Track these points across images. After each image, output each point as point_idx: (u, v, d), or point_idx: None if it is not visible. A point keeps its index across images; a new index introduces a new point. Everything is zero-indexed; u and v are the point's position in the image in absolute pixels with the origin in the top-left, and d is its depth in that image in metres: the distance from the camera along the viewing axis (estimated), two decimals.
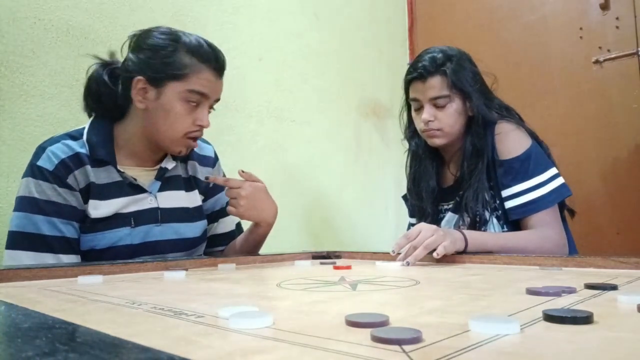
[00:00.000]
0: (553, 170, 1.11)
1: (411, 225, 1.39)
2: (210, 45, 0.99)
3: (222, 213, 1.19)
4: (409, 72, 1.21)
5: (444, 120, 1.17)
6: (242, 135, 1.62)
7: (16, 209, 0.91)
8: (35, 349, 0.22)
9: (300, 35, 1.89)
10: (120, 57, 1.02)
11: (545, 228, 1.07)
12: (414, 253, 0.87)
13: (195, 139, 1.01)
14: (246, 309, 0.37)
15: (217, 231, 1.19)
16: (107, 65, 1.01)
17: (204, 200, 1.15)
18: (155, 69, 0.94)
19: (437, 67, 1.15)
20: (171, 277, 0.69)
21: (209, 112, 1.02)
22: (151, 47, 0.95)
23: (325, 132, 1.95)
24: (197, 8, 1.52)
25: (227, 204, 1.07)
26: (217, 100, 1.02)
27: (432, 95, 1.16)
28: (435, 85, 1.15)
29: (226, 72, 1.02)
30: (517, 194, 1.10)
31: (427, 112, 1.17)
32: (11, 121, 1.12)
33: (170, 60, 0.94)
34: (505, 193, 1.12)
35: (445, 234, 0.92)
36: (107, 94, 1.00)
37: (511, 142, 1.13)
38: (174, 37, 0.96)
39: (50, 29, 1.20)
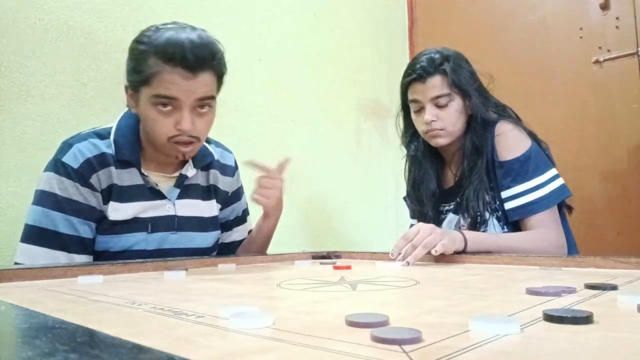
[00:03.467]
0: (553, 171, 1.11)
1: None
2: (181, 41, 0.87)
3: (237, 222, 1.20)
4: (406, 75, 1.21)
5: (447, 119, 1.17)
6: (242, 135, 1.61)
7: (35, 203, 0.90)
8: (36, 349, 0.22)
9: (300, 36, 1.89)
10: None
11: (544, 229, 1.07)
12: (413, 252, 0.87)
13: (183, 143, 0.92)
14: (246, 309, 0.37)
15: (231, 239, 1.19)
16: None
17: (221, 209, 1.15)
18: (131, 76, 0.92)
19: (436, 67, 1.16)
20: (171, 277, 0.69)
21: (202, 110, 0.92)
22: (130, 52, 0.92)
23: (325, 132, 1.95)
24: (197, 8, 1.52)
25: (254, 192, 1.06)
26: (204, 98, 0.91)
27: (433, 95, 1.16)
28: (436, 84, 1.16)
29: (194, 82, 0.99)
30: (516, 195, 1.10)
31: (430, 113, 1.17)
32: (11, 121, 1.12)
33: (140, 65, 0.89)
34: (504, 194, 1.12)
35: (444, 232, 0.92)
36: None
37: (511, 143, 1.13)
38: (146, 39, 0.89)
39: (51, 29, 1.20)
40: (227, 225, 1.18)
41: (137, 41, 0.91)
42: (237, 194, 1.19)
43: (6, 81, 1.12)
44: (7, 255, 1.07)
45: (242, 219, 1.21)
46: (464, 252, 0.96)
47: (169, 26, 0.90)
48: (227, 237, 1.18)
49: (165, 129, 0.91)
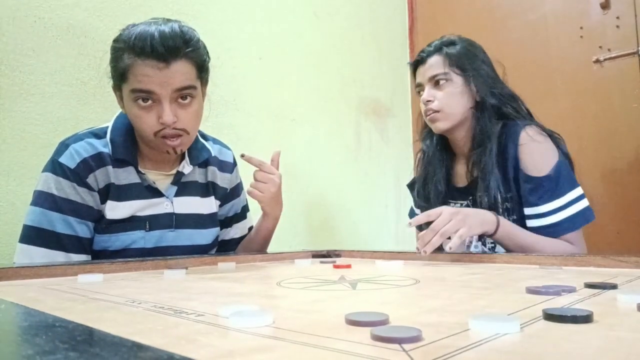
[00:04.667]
0: (579, 190, 1.07)
1: (416, 215, 1.36)
2: (150, 33, 0.86)
3: (237, 218, 1.20)
4: (414, 59, 1.24)
5: (443, 101, 1.15)
6: (241, 134, 1.61)
7: (33, 203, 0.90)
8: (36, 347, 0.22)
9: (301, 35, 1.89)
10: None
11: (571, 246, 1.05)
12: (430, 241, 0.86)
13: (169, 137, 0.91)
14: (246, 307, 0.37)
15: (230, 236, 1.19)
16: None
17: (220, 206, 1.15)
18: (112, 75, 0.93)
19: (437, 49, 1.18)
20: (171, 276, 0.69)
21: (184, 102, 0.91)
22: (110, 52, 0.92)
23: (325, 131, 1.95)
24: (197, 7, 1.52)
25: (251, 185, 1.06)
26: (182, 89, 0.89)
27: (430, 74, 1.17)
28: (433, 63, 1.17)
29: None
30: (542, 215, 1.06)
31: (427, 92, 1.17)
32: (11, 120, 1.12)
33: (116, 63, 0.90)
34: (528, 211, 1.07)
35: (465, 218, 0.90)
36: None
37: (539, 158, 1.07)
38: (121, 37, 0.90)
39: (51, 27, 1.20)
40: (226, 222, 1.18)
41: (114, 40, 0.92)
42: (236, 191, 1.19)
43: (6, 80, 1.12)
44: (7, 254, 1.07)
45: (241, 215, 1.21)
46: (492, 235, 0.94)
47: (143, 22, 0.91)
48: (226, 234, 1.18)
49: (149, 124, 0.90)
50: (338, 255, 1.11)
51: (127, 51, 0.87)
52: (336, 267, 0.82)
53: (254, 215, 1.23)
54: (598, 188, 1.80)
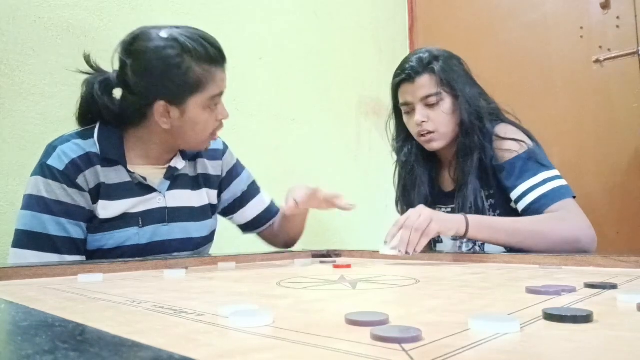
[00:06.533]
0: (556, 172, 1.06)
1: None
2: (209, 41, 0.94)
3: (248, 196, 1.20)
4: (396, 75, 1.18)
5: (438, 120, 1.13)
6: (242, 134, 1.61)
7: (24, 207, 0.90)
8: (36, 347, 0.22)
9: (301, 34, 1.89)
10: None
11: (564, 211, 0.98)
12: (410, 240, 0.86)
13: (216, 132, 1.03)
14: (246, 307, 0.37)
15: (251, 215, 1.21)
16: (98, 79, 0.99)
17: (219, 194, 1.15)
18: (173, 91, 0.92)
19: (425, 66, 1.13)
20: (171, 276, 0.69)
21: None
22: (161, 69, 0.90)
23: (326, 130, 1.95)
24: (197, 6, 1.52)
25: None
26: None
27: (422, 95, 1.13)
28: (425, 83, 1.13)
29: (226, 71, 1.01)
30: (525, 192, 1.04)
31: (420, 113, 1.13)
32: (11, 119, 1.12)
33: (185, 78, 0.91)
34: (514, 195, 1.06)
35: (432, 214, 0.90)
36: (106, 107, 0.97)
37: (510, 143, 1.09)
38: (178, 50, 0.90)
39: (51, 27, 1.20)
40: (237, 204, 1.18)
41: (166, 54, 0.90)
42: (235, 171, 1.19)
43: (6, 79, 1.12)
44: (8, 254, 1.07)
45: (252, 190, 1.21)
46: (466, 233, 0.92)
47: (179, 31, 0.92)
48: (243, 215, 1.19)
49: (211, 125, 0.99)
50: (338, 255, 1.11)
51: (196, 62, 0.92)
52: (336, 267, 0.82)
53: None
54: (598, 188, 1.80)
